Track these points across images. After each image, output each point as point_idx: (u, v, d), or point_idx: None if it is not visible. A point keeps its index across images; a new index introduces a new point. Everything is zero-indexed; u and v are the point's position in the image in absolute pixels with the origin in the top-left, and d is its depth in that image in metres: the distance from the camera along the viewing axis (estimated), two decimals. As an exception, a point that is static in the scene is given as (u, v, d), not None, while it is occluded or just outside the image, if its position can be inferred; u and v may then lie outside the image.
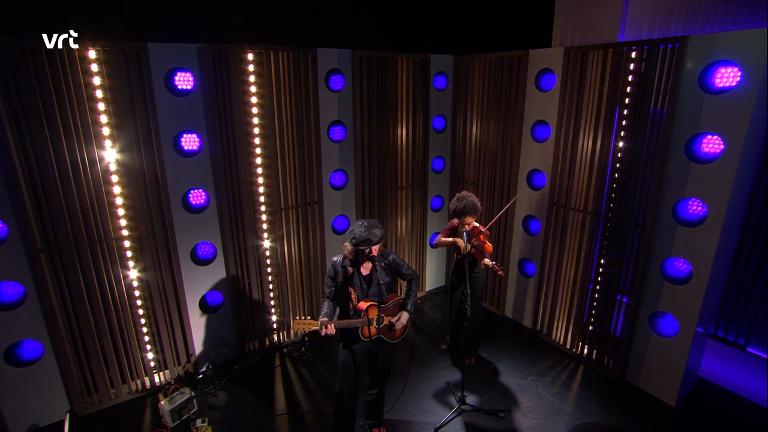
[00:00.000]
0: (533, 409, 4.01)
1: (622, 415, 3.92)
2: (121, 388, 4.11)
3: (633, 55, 3.83)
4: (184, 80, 3.80)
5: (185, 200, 4.08)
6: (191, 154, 4.01)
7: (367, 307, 3.16)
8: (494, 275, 5.51)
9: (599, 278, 4.42)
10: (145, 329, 4.13)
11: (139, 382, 4.20)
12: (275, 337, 4.95)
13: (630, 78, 3.87)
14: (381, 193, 5.27)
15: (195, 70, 3.82)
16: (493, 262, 3.94)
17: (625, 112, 3.96)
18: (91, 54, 3.38)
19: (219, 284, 4.44)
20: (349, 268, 3.19)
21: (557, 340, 4.94)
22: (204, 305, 4.44)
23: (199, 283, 4.33)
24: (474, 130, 5.47)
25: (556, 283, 4.84)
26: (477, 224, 4.18)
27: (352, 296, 3.17)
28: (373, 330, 3.22)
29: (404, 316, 3.33)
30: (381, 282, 3.06)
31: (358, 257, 3.17)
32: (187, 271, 4.21)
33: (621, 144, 4.03)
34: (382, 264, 3.22)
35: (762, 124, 3.49)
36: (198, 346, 4.49)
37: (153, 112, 3.69)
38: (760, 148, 3.65)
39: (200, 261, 4.31)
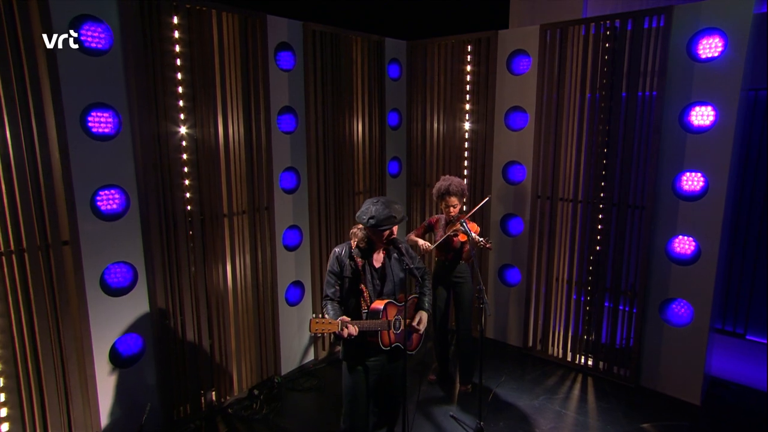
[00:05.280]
0: (558, 429, 3.82)
1: (652, 421, 3.90)
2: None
3: (616, 30, 4.14)
4: (95, 35, 3.16)
5: (93, 203, 3.30)
6: (103, 138, 3.29)
7: (386, 305, 2.75)
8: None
9: (593, 278, 4.50)
10: (23, 398, 3.12)
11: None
12: (213, 396, 4.13)
13: (614, 53, 4.16)
14: (338, 198, 4.90)
15: (113, 22, 3.22)
16: (481, 238, 3.78)
17: (611, 90, 4.22)
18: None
19: (138, 323, 3.61)
20: (359, 260, 2.77)
21: (555, 354, 4.87)
22: (115, 356, 3.55)
23: (109, 323, 3.46)
24: (434, 126, 5.43)
25: (548, 287, 4.83)
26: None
27: (365, 295, 2.74)
28: (392, 336, 2.80)
29: (425, 317, 2.98)
30: (411, 266, 2.72)
31: (371, 244, 2.77)
32: (93, 305, 3.35)
33: (612, 122, 4.25)
34: (404, 247, 2.88)
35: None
36: (104, 419, 3.53)
37: (54, 76, 2.97)
38: (742, 115, 4.10)
39: (112, 290, 3.47)
